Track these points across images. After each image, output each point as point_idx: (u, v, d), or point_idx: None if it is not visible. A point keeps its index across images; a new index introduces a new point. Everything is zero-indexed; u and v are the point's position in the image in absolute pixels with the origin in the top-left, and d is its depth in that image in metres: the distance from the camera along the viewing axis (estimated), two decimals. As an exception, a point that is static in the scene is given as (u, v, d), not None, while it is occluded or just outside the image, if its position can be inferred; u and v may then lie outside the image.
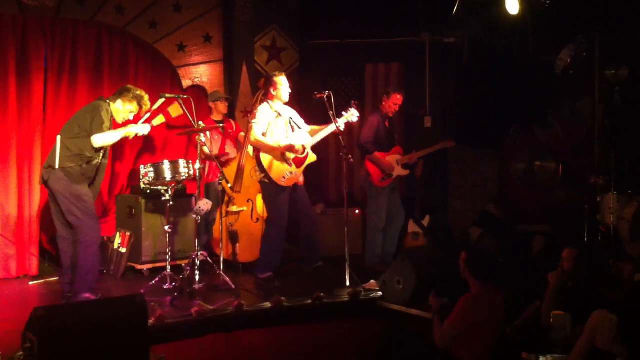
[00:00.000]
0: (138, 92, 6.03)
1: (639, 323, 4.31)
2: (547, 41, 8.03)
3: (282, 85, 6.56)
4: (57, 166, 5.75)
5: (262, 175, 6.54)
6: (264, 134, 6.48)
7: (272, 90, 6.58)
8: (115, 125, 6.11)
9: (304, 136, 6.67)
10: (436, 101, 9.07)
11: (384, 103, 7.35)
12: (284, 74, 6.66)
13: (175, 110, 7.14)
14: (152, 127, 6.40)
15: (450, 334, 4.67)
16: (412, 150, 7.63)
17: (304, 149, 6.58)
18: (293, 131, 6.66)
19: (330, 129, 6.58)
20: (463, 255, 4.87)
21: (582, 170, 7.75)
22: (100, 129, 5.75)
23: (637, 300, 5.05)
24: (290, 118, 6.68)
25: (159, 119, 6.95)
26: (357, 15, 8.85)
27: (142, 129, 6.09)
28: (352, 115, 6.68)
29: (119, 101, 5.99)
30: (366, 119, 7.48)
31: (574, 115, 8.21)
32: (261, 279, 6.62)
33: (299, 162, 6.58)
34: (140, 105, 6.04)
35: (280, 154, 6.49)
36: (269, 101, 6.60)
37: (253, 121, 6.50)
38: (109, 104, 5.97)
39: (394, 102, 7.32)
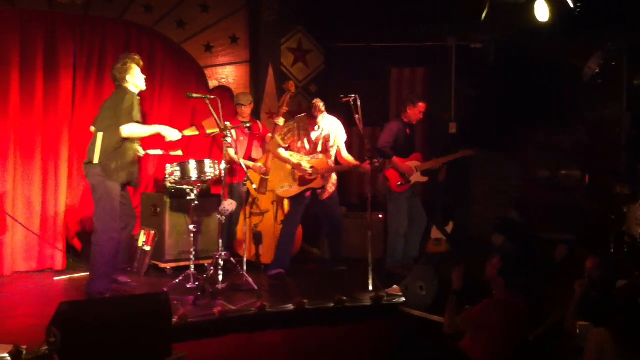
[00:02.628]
0: (130, 57, 6.06)
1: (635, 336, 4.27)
2: (574, 44, 7.98)
3: (317, 124, 6.60)
4: (96, 161, 5.79)
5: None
6: (287, 148, 6.65)
7: (310, 118, 6.61)
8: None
9: (323, 162, 6.70)
10: (461, 106, 9.03)
11: (408, 111, 7.30)
12: (324, 112, 6.59)
13: (210, 126, 7.14)
14: (183, 137, 6.41)
15: (460, 326, 4.78)
16: (432, 157, 7.58)
17: (313, 172, 6.61)
18: (325, 150, 6.72)
19: (348, 167, 6.70)
20: (495, 261, 4.84)
21: (607, 178, 7.68)
22: (129, 118, 5.78)
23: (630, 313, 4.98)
24: (326, 136, 6.71)
25: (192, 130, 6.97)
26: (383, 19, 8.84)
27: (173, 134, 6.08)
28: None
29: (128, 76, 6.00)
30: (387, 124, 7.44)
31: (600, 122, 8.14)
32: (270, 275, 6.69)
33: (302, 181, 6.63)
34: (137, 61, 6.04)
35: (291, 167, 6.63)
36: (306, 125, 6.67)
37: (278, 133, 6.71)
38: (127, 88, 5.98)
39: (419, 110, 7.28)
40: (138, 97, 6.04)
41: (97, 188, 5.86)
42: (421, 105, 7.27)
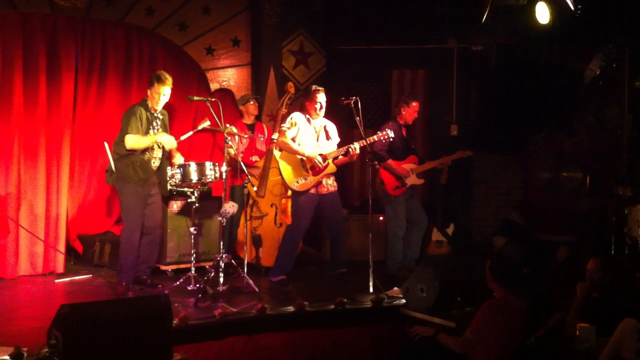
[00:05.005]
0: (155, 75, 6.39)
1: None
2: (575, 47, 7.99)
3: (317, 104, 6.64)
4: (114, 169, 6.20)
5: (280, 176, 6.80)
6: (293, 139, 6.61)
7: (307, 103, 6.68)
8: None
9: (330, 147, 6.72)
10: (462, 108, 9.03)
11: (402, 112, 7.29)
12: (323, 90, 6.68)
13: (203, 125, 7.23)
14: (179, 142, 6.57)
15: (472, 339, 4.68)
16: (426, 160, 7.55)
17: (325, 159, 6.61)
18: (328, 139, 6.75)
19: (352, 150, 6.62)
20: (488, 263, 4.86)
21: (608, 180, 7.68)
22: (125, 131, 6.15)
23: None
24: (325, 126, 6.75)
25: (186, 135, 7.03)
26: (384, 21, 8.85)
27: (168, 142, 6.33)
28: (384, 135, 6.66)
29: (148, 92, 6.35)
30: (382, 127, 7.40)
31: (601, 124, 8.14)
32: (273, 282, 6.67)
33: (316, 171, 6.62)
34: (159, 81, 6.29)
35: (300, 159, 6.59)
36: (305, 115, 6.72)
37: (283, 125, 6.65)
38: (145, 100, 6.36)
39: (413, 110, 7.29)
40: (153, 107, 6.33)
41: (118, 190, 6.35)
42: (414, 104, 7.28)
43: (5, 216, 6.86)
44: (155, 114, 6.36)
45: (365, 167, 6.96)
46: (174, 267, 7.06)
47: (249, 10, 8.38)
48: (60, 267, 7.11)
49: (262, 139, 7.59)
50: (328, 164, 6.63)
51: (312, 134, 6.68)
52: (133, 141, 6.13)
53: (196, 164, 6.32)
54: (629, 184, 7.30)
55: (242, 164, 6.52)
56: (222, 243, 6.28)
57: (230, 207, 6.14)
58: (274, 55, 8.46)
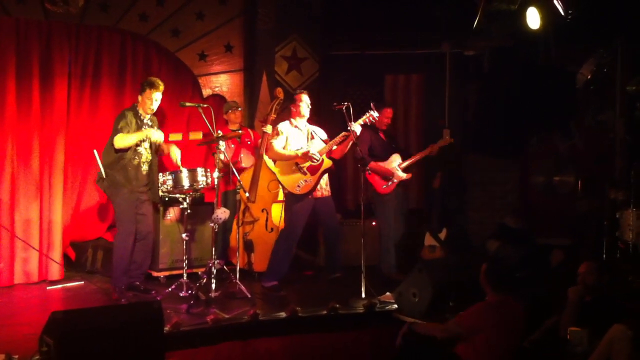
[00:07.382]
0: (147, 81, 6.41)
1: None
2: (570, 50, 8.00)
3: (302, 102, 6.71)
4: (104, 176, 6.21)
5: (280, 187, 6.80)
6: (283, 149, 6.64)
7: (293, 108, 6.76)
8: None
9: (320, 145, 6.74)
10: (456, 113, 9.03)
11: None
12: (305, 92, 6.79)
13: (195, 136, 7.25)
14: (166, 140, 6.56)
15: (454, 330, 4.76)
16: (411, 154, 7.56)
17: (320, 155, 6.62)
18: (313, 138, 6.76)
19: (341, 136, 6.62)
20: (483, 267, 4.89)
21: (603, 182, 7.69)
22: (115, 132, 6.16)
23: None
24: (313, 132, 6.78)
25: (176, 136, 7.04)
26: (377, 26, 8.86)
27: (156, 135, 6.32)
28: (369, 116, 6.68)
29: (139, 97, 6.36)
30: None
31: (596, 127, 8.16)
32: (265, 287, 6.67)
33: (313, 170, 6.63)
34: (152, 87, 6.31)
35: (295, 163, 6.62)
36: (291, 119, 6.77)
37: (272, 140, 6.70)
38: (135, 105, 6.37)
39: (385, 115, 7.37)
40: (143, 113, 6.36)
41: (110, 198, 6.42)
42: (386, 110, 7.42)
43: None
44: (145, 120, 6.37)
45: (358, 172, 6.97)
46: (167, 273, 7.05)
47: (243, 15, 8.37)
48: (55, 274, 7.07)
49: (248, 143, 7.60)
50: (323, 160, 6.66)
51: (302, 136, 6.73)
52: (121, 140, 6.14)
53: (188, 170, 6.35)
54: (621, 187, 7.31)
55: (234, 169, 6.52)
56: (214, 249, 6.27)
57: (221, 213, 6.14)
58: (267, 61, 8.45)
